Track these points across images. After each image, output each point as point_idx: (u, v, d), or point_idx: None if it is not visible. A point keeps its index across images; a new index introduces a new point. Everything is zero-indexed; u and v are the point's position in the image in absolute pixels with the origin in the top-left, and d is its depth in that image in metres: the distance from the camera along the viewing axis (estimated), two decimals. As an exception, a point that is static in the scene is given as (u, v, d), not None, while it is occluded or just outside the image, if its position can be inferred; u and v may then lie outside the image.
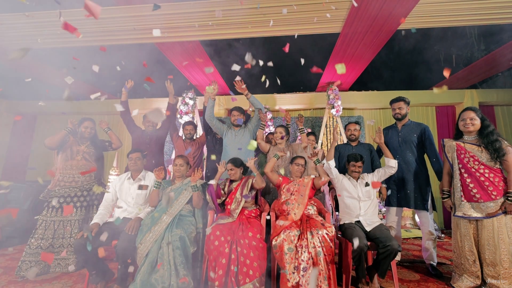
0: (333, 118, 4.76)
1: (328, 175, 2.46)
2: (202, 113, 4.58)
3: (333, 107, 4.72)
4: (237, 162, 2.59)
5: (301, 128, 3.04)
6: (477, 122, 2.20)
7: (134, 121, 3.28)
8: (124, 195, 2.50)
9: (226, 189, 2.60)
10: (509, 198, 2.00)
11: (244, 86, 2.90)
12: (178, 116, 4.98)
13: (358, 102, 5.09)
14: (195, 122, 5.07)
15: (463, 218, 2.15)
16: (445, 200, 2.34)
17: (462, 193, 2.17)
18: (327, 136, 4.72)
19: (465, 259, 2.15)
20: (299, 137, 4.66)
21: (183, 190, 2.48)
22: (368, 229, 2.24)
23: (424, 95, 4.99)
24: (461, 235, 2.19)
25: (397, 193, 2.69)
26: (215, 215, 2.51)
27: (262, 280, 2.02)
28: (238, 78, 2.82)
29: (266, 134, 3.90)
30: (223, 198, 2.57)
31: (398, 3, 2.77)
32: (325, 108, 4.92)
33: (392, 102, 2.74)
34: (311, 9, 3.04)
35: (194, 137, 3.59)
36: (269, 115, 4.92)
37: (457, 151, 2.26)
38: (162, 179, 2.48)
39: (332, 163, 2.45)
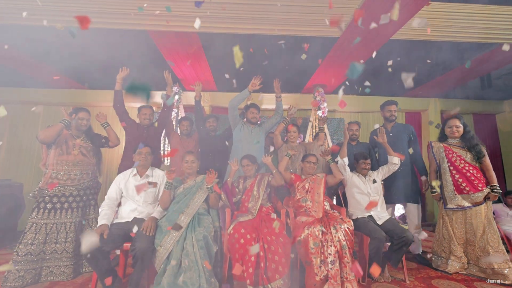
0: (319, 120, 4.95)
1: (341, 173, 2.57)
2: (193, 109, 4.39)
3: (319, 109, 4.92)
4: (253, 159, 2.56)
5: (322, 128, 3.14)
6: (461, 129, 2.56)
7: (128, 113, 3.01)
8: (131, 193, 2.30)
9: (240, 186, 2.55)
10: (494, 190, 2.36)
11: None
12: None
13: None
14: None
15: (457, 209, 2.45)
16: (435, 194, 2.63)
17: (454, 188, 2.47)
18: (313, 137, 4.90)
19: (454, 244, 2.45)
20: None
21: (198, 188, 2.37)
22: (379, 222, 2.40)
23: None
24: (451, 224, 2.50)
25: (391, 190, 2.89)
26: (232, 213, 2.44)
27: (289, 276, 2.04)
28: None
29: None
30: (239, 196, 2.51)
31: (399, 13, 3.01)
32: (310, 109, 5.11)
33: (387, 104, 2.99)
34: (314, 11, 3.14)
35: (191, 134, 3.43)
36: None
37: (445, 151, 2.58)
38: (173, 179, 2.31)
39: (346, 160, 2.58)
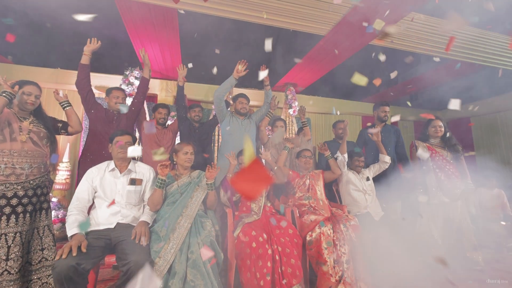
0: (289, 118, 4.94)
1: (340, 169, 2.53)
2: (175, 100, 3.90)
3: (290, 107, 4.91)
4: None
5: (304, 121, 3.06)
6: (443, 129, 2.78)
7: (95, 95, 2.44)
8: (109, 193, 1.82)
9: (239, 184, 2.28)
10: (468, 186, 2.63)
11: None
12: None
13: (306, 105, 5.48)
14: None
15: (438, 204, 2.66)
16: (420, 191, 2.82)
17: (436, 184, 2.68)
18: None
19: (432, 237, 2.65)
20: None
21: (195, 186, 2.02)
22: (376, 219, 2.44)
23: (355, 105, 5.89)
24: (432, 218, 2.70)
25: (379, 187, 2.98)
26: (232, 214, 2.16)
27: (303, 279, 1.88)
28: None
29: None
30: (238, 195, 2.24)
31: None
32: (281, 107, 5.07)
33: (381, 105, 3.11)
34: (307, 5, 3.08)
35: (167, 124, 2.99)
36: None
37: (428, 151, 2.78)
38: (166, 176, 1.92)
39: (346, 156, 2.55)
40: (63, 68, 4.47)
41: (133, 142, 1.98)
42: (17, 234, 1.81)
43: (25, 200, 1.87)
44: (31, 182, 1.90)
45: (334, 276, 1.89)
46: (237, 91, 4.97)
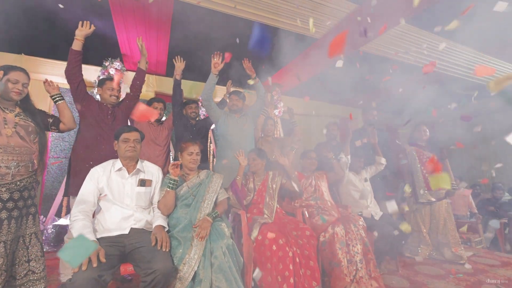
0: (274, 118, 4.95)
1: (343, 171, 2.59)
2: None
3: (276, 108, 4.93)
4: (261, 153, 2.27)
5: (294, 121, 3.06)
6: (428, 133, 3.01)
7: (86, 86, 2.18)
8: (117, 195, 1.64)
9: (250, 185, 2.22)
10: (452, 187, 2.86)
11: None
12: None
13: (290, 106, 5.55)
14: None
15: (426, 203, 2.86)
16: (410, 191, 3.02)
17: (424, 185, 2.88)
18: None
19: (421, 234, 2.86)
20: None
21: (205, 187, 1.91)
22: (376, 218, 2.54)
23: (335, 108, 6.12)
24: (421, 216, 2.90)
25: None
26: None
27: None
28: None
29: None
30: (249, 198, 2.17)
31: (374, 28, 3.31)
32: (266, 108, 5.06)
33: (369, 109, 3.27)
34: (304, 6, 3.10)
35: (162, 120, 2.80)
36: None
37: (416, 153, 2.99)
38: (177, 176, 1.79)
39: (350, 158, 2.62)
40: (27, 54, 3.94)
41: (141, 140, 1.82)
42: (1, 244, 1.55)
43: (10, 205, 1.61)
44: (18, 183, 1.65)
45: (348, 276, 1.92)
46: (219, 88, 4.86)
